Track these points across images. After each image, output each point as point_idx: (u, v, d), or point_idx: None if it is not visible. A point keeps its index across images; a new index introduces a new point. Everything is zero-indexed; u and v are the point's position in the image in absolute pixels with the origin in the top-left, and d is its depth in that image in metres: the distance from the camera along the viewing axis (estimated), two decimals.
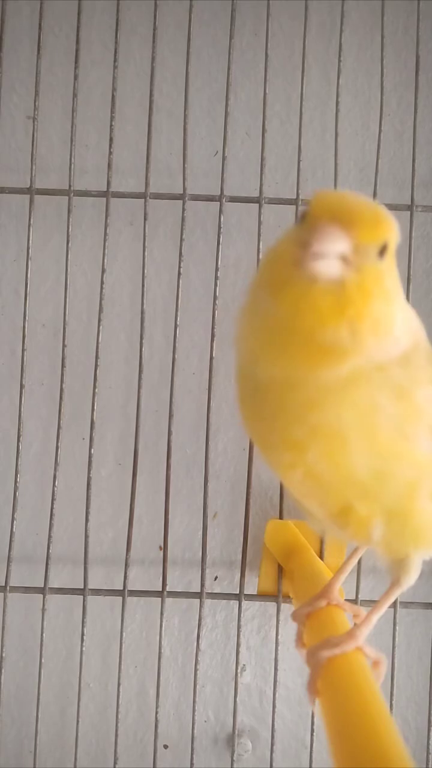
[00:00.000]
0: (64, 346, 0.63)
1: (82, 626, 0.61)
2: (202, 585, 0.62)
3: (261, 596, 0.62)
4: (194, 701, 0.61)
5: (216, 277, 0.62)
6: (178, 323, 0.62)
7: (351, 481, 0.39)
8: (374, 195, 0.62)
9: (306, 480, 0.40)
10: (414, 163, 0.63)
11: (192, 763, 0.61)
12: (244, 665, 0.65)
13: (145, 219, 0.62)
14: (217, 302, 0.62)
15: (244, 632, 0.65)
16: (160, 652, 0.61)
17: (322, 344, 0.35)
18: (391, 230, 0.35)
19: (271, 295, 0.36)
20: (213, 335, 0.62)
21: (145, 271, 0.62)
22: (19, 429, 0.62)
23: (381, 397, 0.37)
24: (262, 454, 0.43)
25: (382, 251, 0.35)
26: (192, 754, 0.61)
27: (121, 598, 0.62)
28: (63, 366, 0.63)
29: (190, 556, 0.65)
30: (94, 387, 0.62)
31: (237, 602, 0.62)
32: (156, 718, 0.61)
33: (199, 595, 0.62)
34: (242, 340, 0.40)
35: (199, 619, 0.61)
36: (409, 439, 0.38)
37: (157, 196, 0.63)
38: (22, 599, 0.64)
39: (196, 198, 0.63)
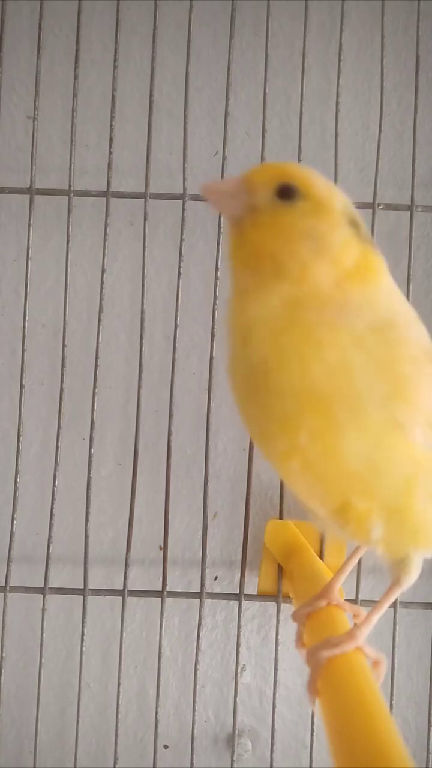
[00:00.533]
0: (64, 346, 0.63)
1: (82, 626, 0.61)
2: (202, 585, 0.62)
3: (261, 596, 0.62)
4: (194, 701, 0.61)
5: (216, 277, 0.62)
6: (178, 323, 0.62)
7: (346, 472, 0.39)
8: (374, 195, 0.62)
9: (304, 472, 0.40)
10: (414, 163, 0.63)
11: (192, 763, 0.61)
12: (244, 665, 0.65)
13: (145, 219, 0.62)
14: (217, 302, 0.62)
15: (244, 632, 0.65)
16: (160, 652, 0.61)
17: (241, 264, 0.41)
18: (288, 173, 0.41)
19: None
20: (213, 335, 0.62)
21: (145, 271, 0.62)
22: (19, 429, 0.62)
23: (358, 358, 0.38)
24: (258, 447, 0.43)
25: (284, 193, 0.40)
26: (192, 754, 0.61)
27: (121, 598, 0.62)
28: (63, 366, 0.63)
29: (190, 556, 0.65)
30: (94, 387, 0.62)
31: (237, 602, 0.62)
32: (156, 718, 0.61)
33: (199, 595, 0.62)
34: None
35: (199, 619, 0.61)
36: (401, 425, 0.38)
37: (157, 196, 0.63)
38: (22, 599, 0.64)
39: (196, 198, 0.63)
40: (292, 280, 0.39)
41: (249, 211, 0.40)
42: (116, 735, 0.61)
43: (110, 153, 0.63)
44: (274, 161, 0.43)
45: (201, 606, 0.62)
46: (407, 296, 0.62)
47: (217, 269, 0.62)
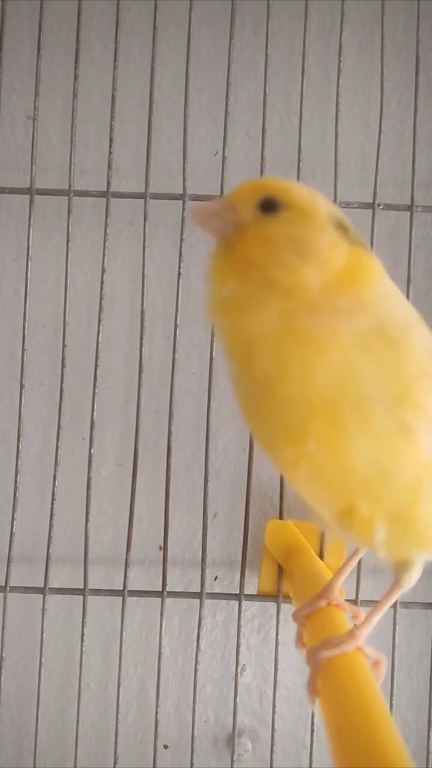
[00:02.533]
0: (64, 346, 0.63)
1: (82, 626, 0.61)
2: (202, 585, 0.62)
3: (261, 596, 0.62)
4: (194, 701, 0.61)
5: None
6: (178, 323, 0.62)
7: (353, 476, 0.39)
8: (374, 195, 0.62)
9: (311, 477, 0.40)
10: (414, 163, 0.63)
11: (192, 763, 0.61)
12: (244, 665, 0.65)
13: (145, 219, 0.62)
14: None
15: (244, 632, 0.65)
16: (160, 652, 0.61)
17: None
18: (268, 186, 0.41)
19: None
20: (213, 335, 0.62)
21: (145, 271, 0.62)
22: (19, 429, 0.62)
23: (360, 361, 0.38)
24: (266, 455, 0.43)
25: (267, 206, 0.40)
26: (192, 754, 0.61)
27: (121, 598, 0.62)
28: (63, 366, 0.63)
29: (190, 556, 0.65)
30: (94, 387, 0.62)
31: (237, 602, 0.62)
32: (156, 718, 0.61)
33: (199, 595, 0.62)
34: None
35: (199, 619, 0.61)
36: (408, 427, 0.38)
37: (157, 196, 0.63)
38: (22, 599, 0.64)
39: (196, 198, 0.63)
40: (283, 290, 0.39)
41: (235, 228, 0.41)
42: (116, 735, 0.61)
43: (110, 153, 0.63)
44: (254, 179, 0.43)
45: (201, 606, 0.62)
46: (407, 296, 0.62)
47: None
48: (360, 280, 0.40)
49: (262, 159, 0.62)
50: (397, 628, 0.60)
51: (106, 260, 0.63)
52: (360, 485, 0.39)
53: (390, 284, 0.42)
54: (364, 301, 0.40)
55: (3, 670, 0.61)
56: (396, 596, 0.44)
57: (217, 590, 0.65)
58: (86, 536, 0.62)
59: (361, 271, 0.40)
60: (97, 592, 0.62)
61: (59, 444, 0.62)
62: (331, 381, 0.37)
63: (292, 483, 0.44)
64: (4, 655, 0.61)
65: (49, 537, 0.62)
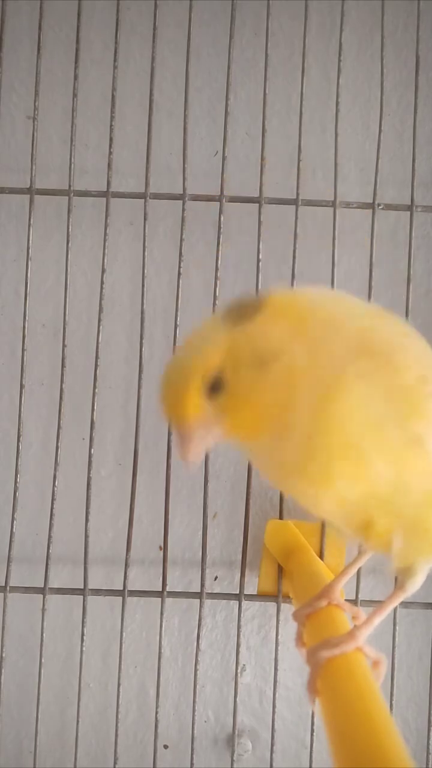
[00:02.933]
0: (64, 346, 0.63)
1: (82, 626, 0.61)
2: (202, 585, 0.62)
3: (261, 596, 0.62)
4: (194, 701, 0.61)
5: (216, 277, 0.62)
6: (178, 323, 0.62)
7: (373, 497, 0.39)
8: (374, 195, 0.62)
9: (330, 504, 0.40)
10: (414, 163, 0.63)
11: (192, 763, 0.61)
12: (244, 665, 0.65)
13: (145, 219, 0.62)
14: (217, 302, 0.62)
15: (244, 632, 0.65)
16: (160, 652, 0.61)
17: None
18: (194, 379, 0.37)
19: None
20: None
21: (145, 271, 0.62)
22: (19, 429, 0.62)
23: (364, 391, 0.38)
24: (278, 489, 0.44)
25: (214, 387, 0.37)
26: (192, 754, 0.61)
27: (121, 598, 0.62)
28: (63, 366, 0.62)
29: (190, 556, 0.65)
30: (94, 387, 0.62)
31: (237, 602, 0.62)
32: (156, 718, 0.61)
33: (199, 595, 0.62)
34: None
35: (199, 619, 0.61)
36: (420, 439, 0.38)
37: (157, 196, 0.63)
38: (22, 599, 0.64)
39: (196, 198, 0.63)
40: (289, 422, 0.38)
41: (214, 423, 0.38)
42: (116, 735, 0.61)
43: (110, 153, 0.63)
44: (169, 383, 0.39)
45: (201, 606, 0.62)
46: (407, 296, 0.62)
47: (217, 269, 0.62)
48: (305, 327, 0.38)
49: (262, 159, 0.62)
50: (397, 628, 0.60)
51: (106, 260, 0.63)
52: (379, 502, 0.40)
53: (324, 296, 0.41)
54: (331, 339, 0.38)
55: (3, 670, 0.61)
56: (399, 600, 0.44)
57: (217, 590, 0.65)
58: (86, 536, 0.62)
59: (297, 320, 0.38)
60: (97, 592, 0.62)
61: (59, 444, 0.62)
62: (348, 424, 0.37)
63: (310, 510, 0.44)
64: (4, 655, 0.61)
65: (49, 537, 0.62)
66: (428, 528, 0.41)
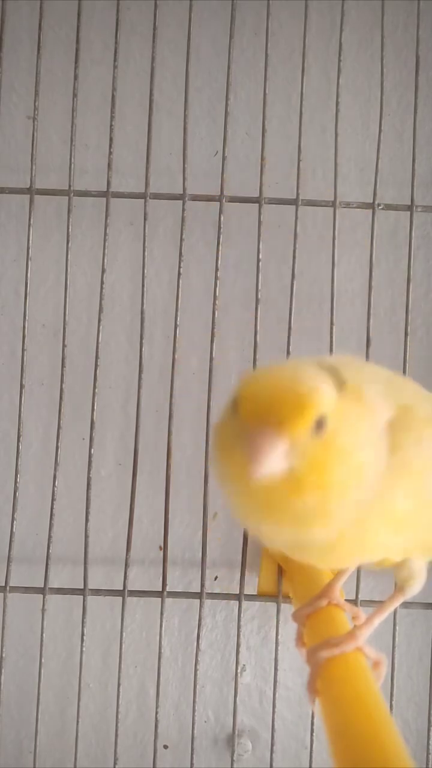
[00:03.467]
0: (64, 346, 0.63)
1: (82, 626, 0.61)
2: (202, 585, 0.62)
3: (261, 596, 0.62)
4: (194, 701, 0.61)
5: (216, 277, 0.62)
6: (178, 323, 0.62)
7: (383, 551, 0.40)
8: (374, 195, 0.62)
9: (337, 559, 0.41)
10: (414, 163, 0.63)
11: (192, 764, 0.61)
12: (244, 665, 0.65)
13: (145, 219, 0.62)
14: (217, 302, 0.62)
15: (244, 632, 0.65)
16: (160, 652, 0.61)
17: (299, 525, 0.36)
18: (319, 405, 0.34)
19: (234, 482, 0.37)
20: (213, 335, 0.62)
21: (145, 271, 0.62)
22: (19, 429, 0.62)
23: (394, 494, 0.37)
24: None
25: (320, 425, 0.34)
26: (192, 754, 0.61)
27: (121, 598, 0.62)
28: (63, 366, 0.62)
29: (190, 556, 0.65)
30: (94, 387, 0.62)
31: (237, 602, 0.62)
32: (156, 718, 0.61)
33: (199, 595, 0.62)
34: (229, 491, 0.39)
35: (199, 620, 0.61)
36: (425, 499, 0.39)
37: (157, 196, 0.63)
38: (22, 599, 0.63)
39: (196, 198, 0.63)
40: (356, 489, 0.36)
41: (300, 457, 0.35)
42: (116, 735, 0.61)
43: (110, 153, 0.63)
44: (293, 390, 0.34)
45: (201, 606, 0.62)
46: (407, 296, 0.62)
47: (217, 269, 0.62)
48: (362, 401, 0.37)
49: (262, 159, 0.62)
50: (397, 628, 0.60)
51: (106, 260, 0.63)
52: (390, 551, 0.40)
53: (371, 386, 0.39)
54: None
55: (3, 670, 0.61)
56: (399, 602, 0.44)
57: (217, 590, 0.65)
58: (86, 536, 0.62)
59: (361, 400, 0.37)
60: (97, 592, 0.62)
61: (59, 444, 0.62)
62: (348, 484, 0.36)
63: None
64: (4, 655, 0.61)
65: (49, 537, 0.62)
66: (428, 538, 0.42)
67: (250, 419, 0.34)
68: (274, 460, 0.34)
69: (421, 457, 0.38)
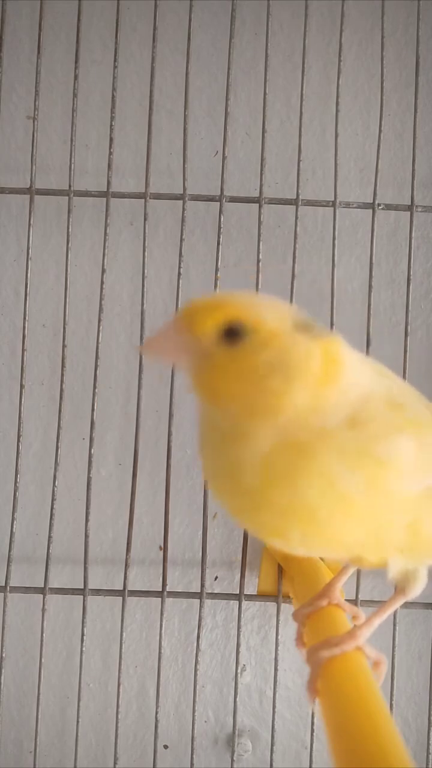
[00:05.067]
0: (64, 346, 0.63)
1: (82, 626, 0.61)
2: (202, 585, 0.62)
3: (261, 596, 0.62)
4: (194, 701, 0.61)
5: (216, 277, 0.62)
6: None
7: (351, 544, 0.40)
8: (374, 195, 0.62)
9: (306, 551, 0.41)
10: (414, 163, 0.63)
11: (192, 764, 0.61)
12: (244, 665, 0.65)
13: (145, 219, 0.62)
14: None
15: (244, 632, 0.65)
16: (160, 652, 0.61)
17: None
18: (230, 313, 0.37)
19: (212, 478, 0.41)
20: None
21: (145, 271, 0.62)
22: (19, 429, 0.62)
23: (339, 469, 0.37)
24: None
25: (231, 334, 0.36)
26: (192, 754, 0.61)
27: (121, 598, 0.62)
28: (63, 366, 0.62)
29: (190, 556, 0.65)
30: (94, 387, 0.62)
31: (237, 602, 0.62)
32: (156, 718, 0.61)
33: (199, 596, 0.62)
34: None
35: (199, 620, 0.61)
36: (392, 494, 0.38)
37: (157, 196, 0.63)
38: (22, 599, 0.64)
39: (196, 198, 0.63)
40: (270, 414, 0.37)
41: (199, 357, 0.37)
42: (116, 735, 0.61)
43: (110, 153, 0.63)
44: (208, 299, 0.38)
45: (201, 606, 0.62)
46: (407, 296, 0.62)
47: (217, 269, 0.62)
48: (335, 375, 0.38)
49: (262, 159, 0.62)
50: (397, 628, 0.60)
51: (106, 260, 0.63)
52: (360, 546, 0.40)
53: (354, 359, 0.40)
54: (343, 394, 0.38)
55: (3, 670, 0.61)
56: (399, 603, 0.44)
57: (217, 590, 0.65)
58: (86, 536, 0.62)
59: (333, 364, 0.38)
60: (97, 592, 0.62)
61: (59, 444, 0.62)
62: (320, 495, 0.37)
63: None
64: (4, 655, 0.61)
65: (49, 537, 0.62)
66: (423, 546, 0.41)
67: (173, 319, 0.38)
68: (167, 346, 0.38)
69: (398, 460, 0.38)
